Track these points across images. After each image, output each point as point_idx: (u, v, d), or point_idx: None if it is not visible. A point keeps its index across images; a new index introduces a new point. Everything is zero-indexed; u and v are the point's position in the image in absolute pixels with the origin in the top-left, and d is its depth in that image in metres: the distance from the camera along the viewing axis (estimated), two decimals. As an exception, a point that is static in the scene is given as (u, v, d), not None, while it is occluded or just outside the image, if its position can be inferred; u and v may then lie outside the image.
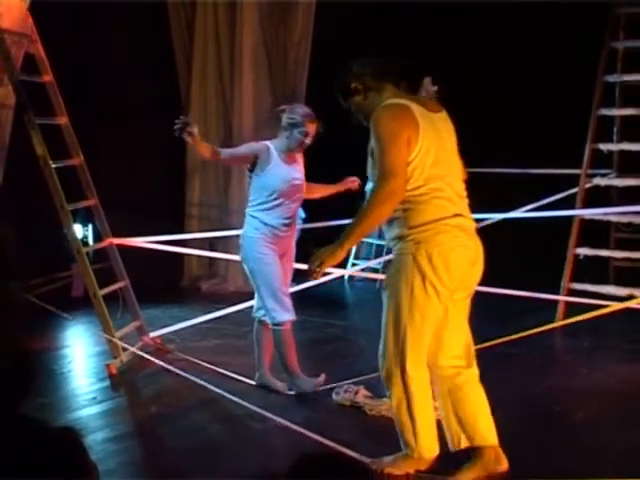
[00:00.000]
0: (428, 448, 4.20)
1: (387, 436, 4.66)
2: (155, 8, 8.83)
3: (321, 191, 5.85)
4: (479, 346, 6.79)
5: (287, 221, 5.47)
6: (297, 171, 5.52)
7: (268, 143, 5.50)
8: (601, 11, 7.76)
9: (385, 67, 4.23)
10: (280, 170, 5.43)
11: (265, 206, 5.46)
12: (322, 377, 5.53)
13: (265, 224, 5.44)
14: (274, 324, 5.42)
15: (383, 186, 3.88)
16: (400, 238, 4.03)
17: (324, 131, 5.44)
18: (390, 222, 4.05)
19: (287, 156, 5.45)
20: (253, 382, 5.71)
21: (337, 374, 5.67)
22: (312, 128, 5.39)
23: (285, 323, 5.39)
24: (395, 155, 3.91)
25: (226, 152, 5.68)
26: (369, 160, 4.08)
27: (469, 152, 9.37)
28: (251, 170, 5.51)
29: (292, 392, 5.55)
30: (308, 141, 5.41)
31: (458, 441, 4.25)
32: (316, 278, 4.12)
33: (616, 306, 6.22)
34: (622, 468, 4.30)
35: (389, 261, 4.30)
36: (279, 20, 8.87)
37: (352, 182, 5.82)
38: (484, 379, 5.89)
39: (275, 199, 5.44)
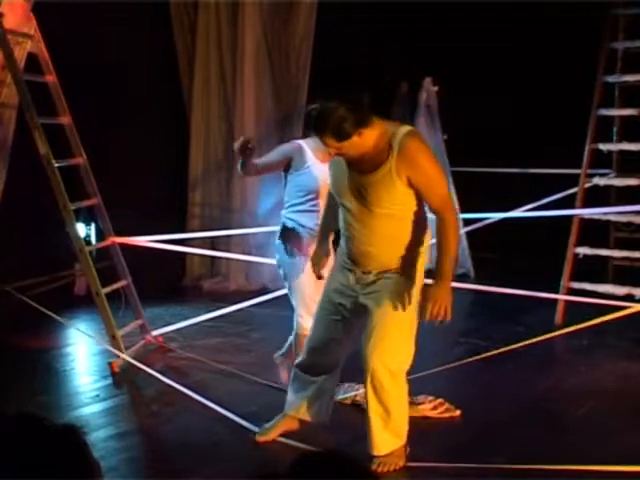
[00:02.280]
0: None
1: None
2: (158, 10, 8.83)
3: None
4: (479, 344, 6.84)
5: None
6: None
7: (301, 142, 5.23)
8: (600, 12, 7.75)
9: (364, 103, 4.14)
10: (316, 169, 5.13)
11: (301, 207, 5.20)
12: None
13: (302, 226, 5.22)
14: (298, 329, 5.34)
15: (453, 214, 4.15)
16: (411, 253, 4.22)
17: None
18: (396, 240, 4.19)
19: (322, 155, 5.02)
20: (255, 379, 5.70)
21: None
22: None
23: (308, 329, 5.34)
24: (446, 184, 4.24)
25: (261, 163, 5.22)
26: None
27: (469, 152, 9.44)
28: (285, 171, 5.23)
29: None
30: (330, 153, 5.09)
31: None
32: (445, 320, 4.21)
33: (635, 308, 6.15)
34: (622, 461, 4.31)
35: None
36: (281, 23, 8.87)
37: None
38: (484, 377, 5.92)
39: (311, 199, 5.18)
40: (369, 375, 4.23)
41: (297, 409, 4.67)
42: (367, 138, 4.03)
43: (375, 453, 4.35)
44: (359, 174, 4.12)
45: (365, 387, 4.34)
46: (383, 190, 4.07)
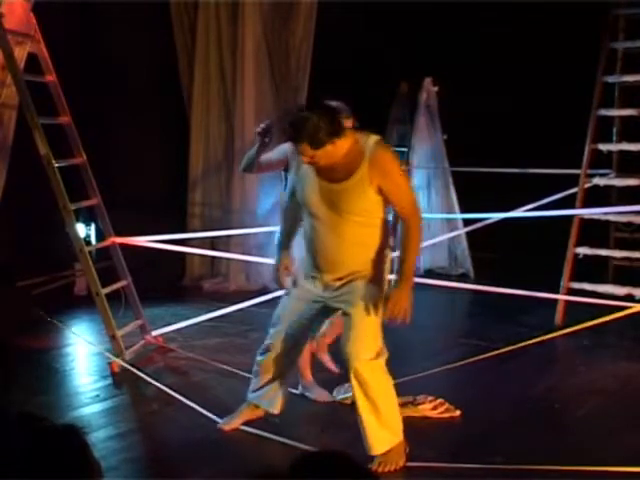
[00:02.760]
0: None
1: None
2: (158, 10, 8.82)
3: None
4: (480, 343, 6.84)
5: None
6: None
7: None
8: (601, 12, 7.76)
9: (336, 113, 4.27)
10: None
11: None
12: (326, 395, 5.52)
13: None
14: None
15: (418, 217, 4.29)
16: (379, 257, 4.36)
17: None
18: (365, 246, 4.32)
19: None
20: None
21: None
22: (348, 124, 4.84)
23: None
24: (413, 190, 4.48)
25: (263, 159, 5.18)
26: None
27: (469, 152, 9.44)
28: (286, 170, 5.12)
29: (296, 391, 5.52)
30: None
31: None
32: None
33: (635, 308, 6.16)
34: (622, 461, 4.31)
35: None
36: (281, 22, 8.87)
37: None
38: (484, 378, 5.92)
39: None
40: (352, 373, 4.32)
41: (261, 399, 4.84)
42: (340, 147, 4.15)
43: (373, 453, 4.38)
44: (330, 182, 4.24)
45: (352, 388, 4.40)
46: (356, 197, 4.19)
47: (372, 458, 4.35)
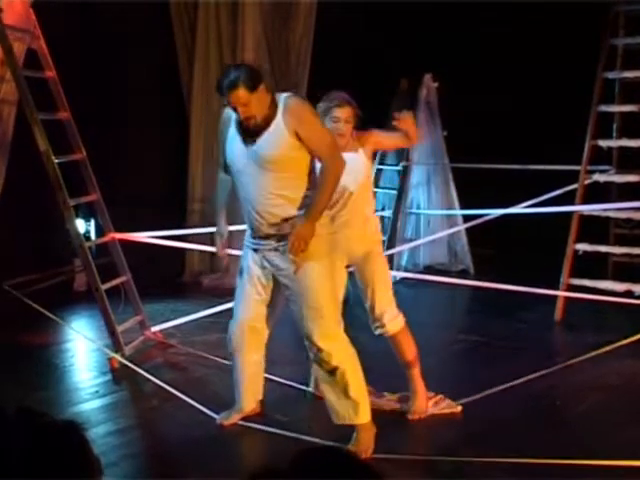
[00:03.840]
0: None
1: (387, 429, 4.67)
2: (158, 8, 8.81)
3: None
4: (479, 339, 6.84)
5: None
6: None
7: None
8: (601, 8, 7.75)
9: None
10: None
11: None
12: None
13: None
14: None
15: (338, 159, 4.39)
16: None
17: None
18: (289, 198, 4.41)
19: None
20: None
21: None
22: (342, 113, 4.90)
23: None
24: (332, 134, 4.55)
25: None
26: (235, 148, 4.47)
27: (469, 148, 9.43)
28: None
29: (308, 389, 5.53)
30: (342, 126, 4.91)
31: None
32: (298, 254, 4.38)
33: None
34: (623, 456, 4.32)
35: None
36: (281, 20, 8.86)
37: None
38: (485, 374, 5.92)
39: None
40: (313, 349, 4.42)
41: (254, 394, 4.98)
42: (265, 98, 4.37)
43: (338, 422, 4.50)
44: (251, 138, 4.39)
45: (313, 364, 4.53)
46: (275, 145, 4.33)
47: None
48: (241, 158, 4.46)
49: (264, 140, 4.35)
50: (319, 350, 4.41)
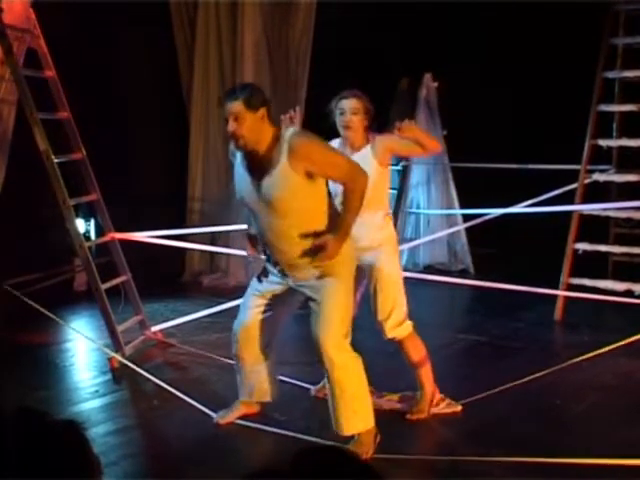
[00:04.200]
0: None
1: (387, 429, 4.67)
2: (158, 5, 8.81)
3: None
4: (477, 338, 6.84)
5: None
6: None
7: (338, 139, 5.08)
8: (601, 8, 7.75)
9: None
10: None
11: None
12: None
13: None
14: None
15: (359, 176, 4.31)
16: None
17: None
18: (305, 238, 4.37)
19: (348, 144, 4.96)
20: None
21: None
22: (347, 104, 4.89)
23: None
24: (346, 158, 4.49)
25: None
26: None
27: (469, 148, 9.43)
28: None
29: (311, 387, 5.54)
30: (347, 118, 4.88)
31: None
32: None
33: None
34: (621, 455, 4.31)
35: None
36: (281, 18, 8.86)
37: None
38: (481, 373, 5.93)
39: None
40: (323, 357, 4.41)
41: (250, 394, 4.97)
42: (262, 126, 4.25)
43: (343, 433, 4.47)
44: (258, 180, 4.32)
45: (324, 370, 4.49)
46: (282, 186, 4.26)
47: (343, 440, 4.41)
48: (252, 196, 4.39)
49: (271, 182, 4.28)
50: (327, 357, 4.40)
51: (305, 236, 4.35)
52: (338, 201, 4.56)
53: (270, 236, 4.45)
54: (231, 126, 4.23)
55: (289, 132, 4.29)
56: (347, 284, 4.49)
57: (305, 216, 4.36)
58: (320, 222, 4.38)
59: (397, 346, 5.08)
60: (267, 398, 4.99)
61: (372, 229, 4.92)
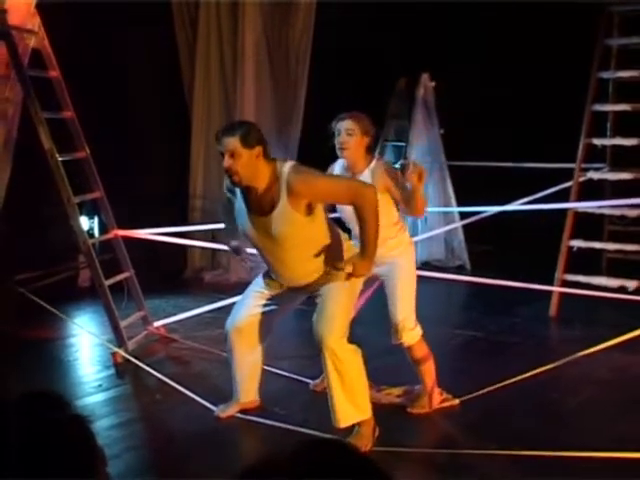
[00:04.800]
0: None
1: (385, 423, 4.68)
2: (159, 6, 8.80)
3: None
4: (474, 334, 6.85)
5: None
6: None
7: (334, 165, 5.11)
8: (595, 9, 7.75)
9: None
10: None
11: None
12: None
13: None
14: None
15: (365, 197, 4.29)
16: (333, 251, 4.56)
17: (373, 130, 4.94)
18: (312, 259, 4.50)
19: (349, 167, 4.95)
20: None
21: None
22: (344, 125, 4.83)
23: None
24: (344, 180, 4.65)
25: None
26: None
27: (466, 146, 9.43)
28: None
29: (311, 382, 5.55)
30: (342, 138, 4.82)
31: None
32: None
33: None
34: (615, 448, 4.32)
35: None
36: (281, 17, 8.86)
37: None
38: (478, 368, 5.93)
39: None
40: (324, 350, 4.43)
41: (245, 394, 5.04)
42: (257, 164, 4.26)
43: (339, 426, 4.48)
44: (259, 216, 4.39)
45: (324, 365, 4.48)
46: (285, 225, 4.33)
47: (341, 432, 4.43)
48: (253, 231, 4.47)
49: (273, 220, 4.33)
50: (328, 348, 4.42)
51: (308, 259, 4.47)
52: (354, 228, 4.74)
53: (273, 261, 4.57)
54: (226, 162, 4.25)
55: (286, 169, 4.29)
56: (351, 288, 4.56)
57: (308, 244, 4.45)
58: (322, 241, 4.48)
59: (403, 347, 5.08)
60: (251, 397, 5.04)
61: (384, 242, 4.92)
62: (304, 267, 4.52)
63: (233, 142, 4.23)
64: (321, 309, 4.51)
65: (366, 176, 4.85)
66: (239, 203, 4.49)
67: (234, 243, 5.05)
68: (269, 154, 4.35)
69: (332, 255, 4.50)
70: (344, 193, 4.36)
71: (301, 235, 4.39)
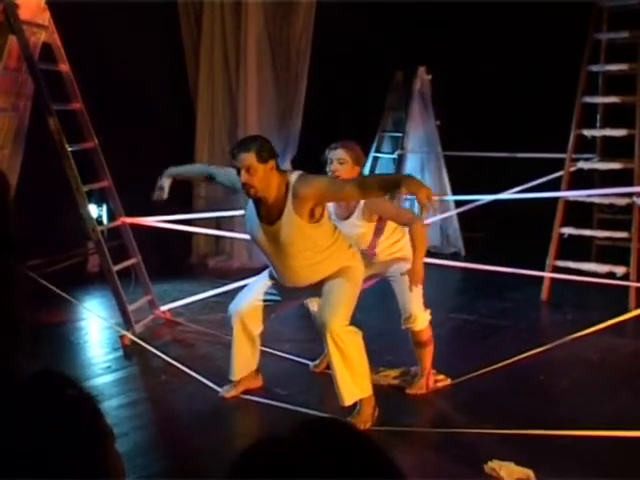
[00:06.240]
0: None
1: (382, 403, 4.69)
2: (165, 4, 8.78)
3: None
4: (467, 317, 6.86)
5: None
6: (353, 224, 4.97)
7: None
8: (586, 5, 7.73)
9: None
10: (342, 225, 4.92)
11: None
12: None
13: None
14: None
15: (367, 179, 4.68)
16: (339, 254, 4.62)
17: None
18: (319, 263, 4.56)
19: (341, 210, 4.98)
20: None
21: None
22: (335, 154, 4.84)
23: None
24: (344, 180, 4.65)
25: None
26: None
27: (461, 137, 9.42)
28: None
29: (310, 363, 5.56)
30: (333, 167, 4.82)
31: None
32: None
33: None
34: (601, 426, 4.33)
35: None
36: (282, 14, 8.85)
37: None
38: (471, 350, 5.95)
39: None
40: (328, 333, 4.46)
41: (246, 368, 5.02)
42: (271, 176, 4.33)
43: (344, 404, 4.52)
44: (268, 225, 4.45)
45: (327, 347, 4.52)
46: (292, 231, 4.40)
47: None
48: (261, 238, 4.54)
49: (280, 228, 4.40)
50: (331, 331, 4.45)
51: (313, 265, 4.53)
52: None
53: (279, 266, 4.61)
54: (243, 177, 4.30)
55: (293, 178, 4.36)
56: (356, 281, 4.63)
57: (312, 251, 4.49)
58: (327, 248, 4.52)
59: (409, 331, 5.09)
60: (243, 374, 5.03)
61: (387, 247, 4.99)
62: (308, 272, 4.56)
63: (249, 158, 4.28)
64: (326, 298, 4.54)
65: (359, 206, 4.89)
66: (250, 210, 4.55)
67: (166, 182, 5.23)
68: (279, 166, 4.43)
69: (337, 262, 4.55)
70: (348, 189, 4.32)
71: (305, 241, 4.43)
